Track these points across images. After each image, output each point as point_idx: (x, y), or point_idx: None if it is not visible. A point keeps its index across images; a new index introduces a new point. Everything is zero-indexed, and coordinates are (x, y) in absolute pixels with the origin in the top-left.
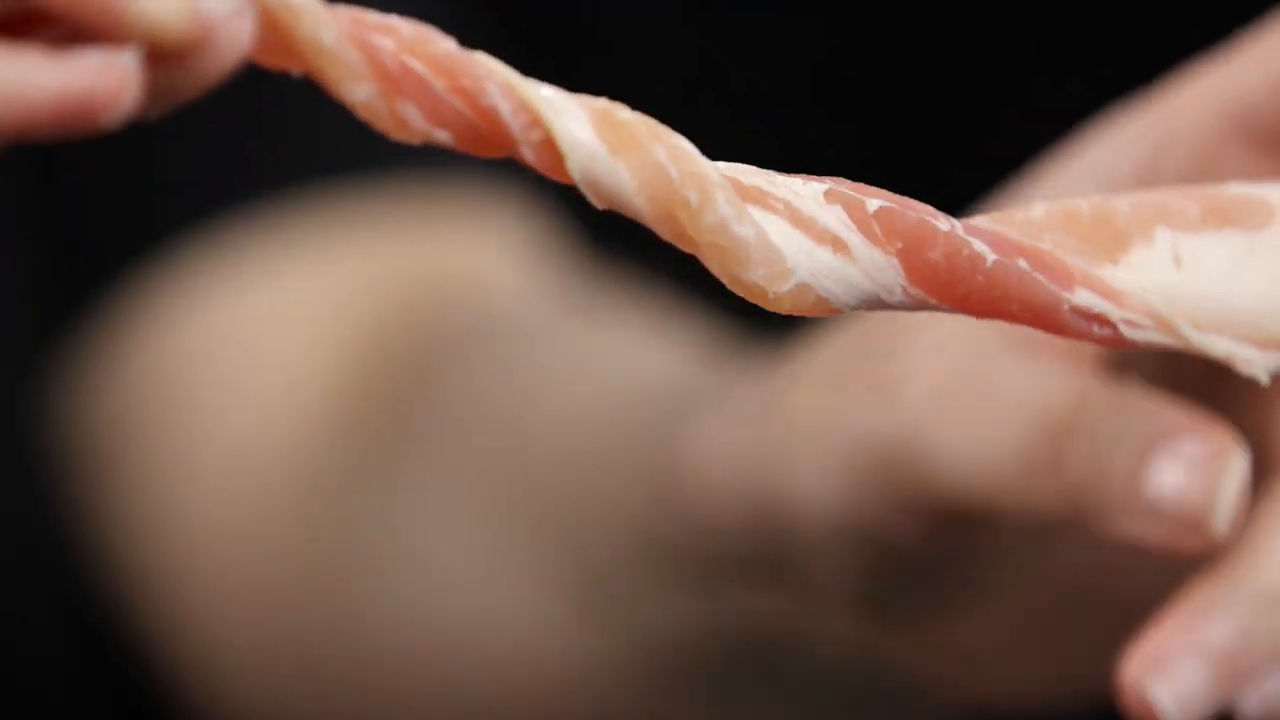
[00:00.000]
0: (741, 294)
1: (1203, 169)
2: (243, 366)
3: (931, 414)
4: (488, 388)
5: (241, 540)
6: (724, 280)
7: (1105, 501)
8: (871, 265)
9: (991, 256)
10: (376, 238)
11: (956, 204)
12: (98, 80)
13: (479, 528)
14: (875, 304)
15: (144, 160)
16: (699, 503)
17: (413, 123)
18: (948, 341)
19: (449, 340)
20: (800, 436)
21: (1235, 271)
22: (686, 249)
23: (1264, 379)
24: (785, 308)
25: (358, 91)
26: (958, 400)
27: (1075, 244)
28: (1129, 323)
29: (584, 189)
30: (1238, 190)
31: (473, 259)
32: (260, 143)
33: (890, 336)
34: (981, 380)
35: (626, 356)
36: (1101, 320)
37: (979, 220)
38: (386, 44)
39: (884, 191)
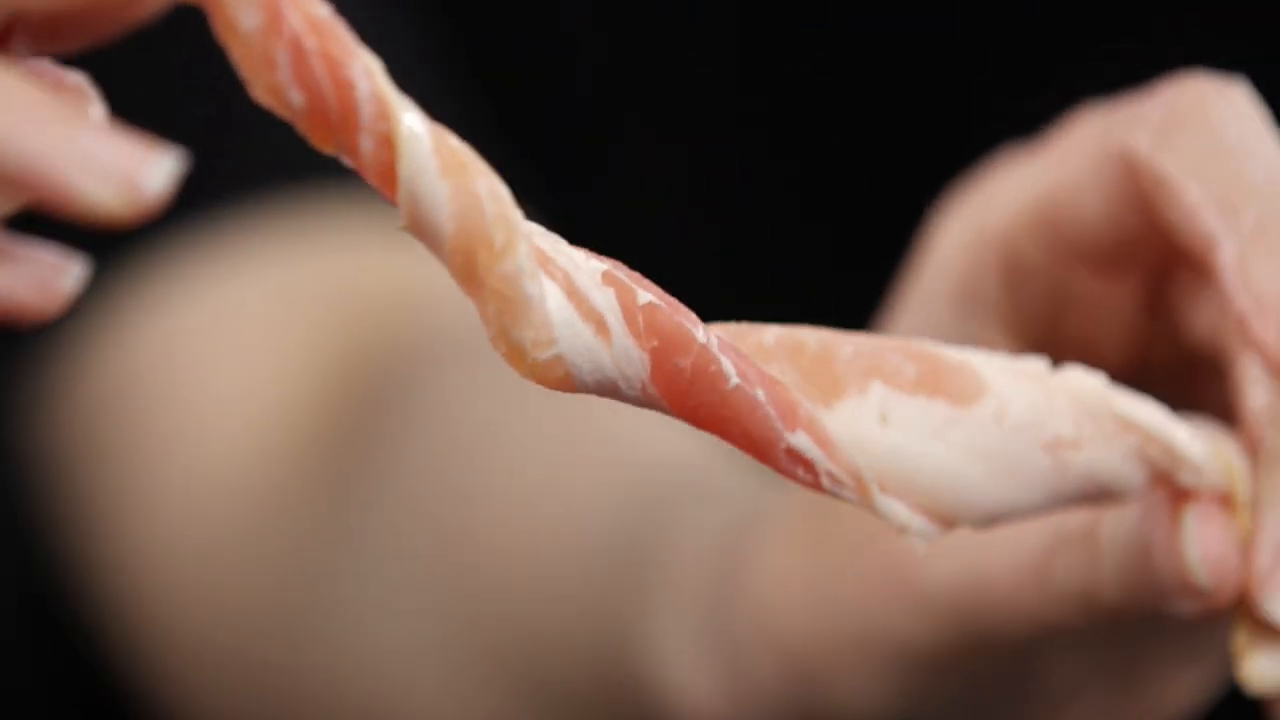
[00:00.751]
0: (501, 349)
1: (1013, 272)
2: (203, 385)
3: (965, 590)
4: (451, 442)
5: (200, 561)
6: (490, 329)
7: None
8: (623, 354)
9: (734, 380)
10: (340, 249)
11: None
12: (33, 295)
13: (434, 625)
14: (611, 392)
15: None
16: None
17: (280, 70)
18: None
19: (411, 370)
20: (821, 653)
21: (933, 440)
22: (465, 289)
23: (923, 549)
24: (533, 375)
25: (247, 19)
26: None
27: (796, 380)
28: (832, 476)
29: (401, 200)
30: (955, 358)
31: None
32: (212, 151)
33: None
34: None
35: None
36: (808, 466)
37: (726, 333)
38: None
39: (657, 289)
